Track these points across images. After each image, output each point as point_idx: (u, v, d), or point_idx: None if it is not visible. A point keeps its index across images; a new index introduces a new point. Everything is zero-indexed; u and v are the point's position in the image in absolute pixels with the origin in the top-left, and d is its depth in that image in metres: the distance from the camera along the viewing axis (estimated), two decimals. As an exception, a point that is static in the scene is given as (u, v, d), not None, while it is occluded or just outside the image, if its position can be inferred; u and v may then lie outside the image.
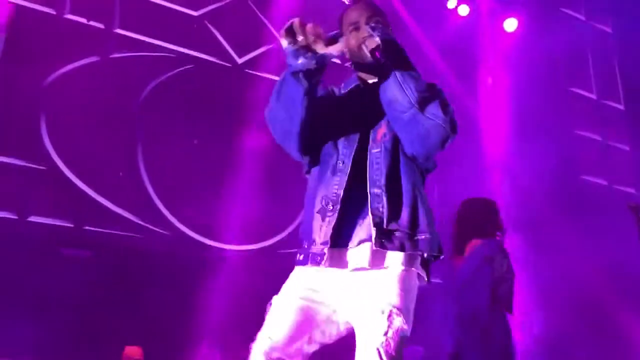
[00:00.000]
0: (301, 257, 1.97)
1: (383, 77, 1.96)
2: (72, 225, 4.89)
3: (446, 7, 7.26)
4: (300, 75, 1.90)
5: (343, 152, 2.02)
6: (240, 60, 6.03)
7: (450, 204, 6.32)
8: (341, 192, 1.94)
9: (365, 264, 1.87)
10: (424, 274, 1.95)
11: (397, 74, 1.94)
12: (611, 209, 6.45)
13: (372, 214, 1.91)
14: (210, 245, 5.43)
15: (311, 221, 1.97)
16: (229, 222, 5.34)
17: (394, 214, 1.92)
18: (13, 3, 4.94)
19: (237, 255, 5.49)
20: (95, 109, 4.96)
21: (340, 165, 2.00)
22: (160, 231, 5.22)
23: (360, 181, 1.95)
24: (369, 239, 1.88)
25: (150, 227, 5.18)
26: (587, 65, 8.35)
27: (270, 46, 6.12)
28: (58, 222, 4.84)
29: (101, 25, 5.40)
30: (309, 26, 1.84)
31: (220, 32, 5.98)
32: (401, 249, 1.89)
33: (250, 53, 6.12)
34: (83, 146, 4.91)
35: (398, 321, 1.78)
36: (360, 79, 2.19)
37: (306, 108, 1.93)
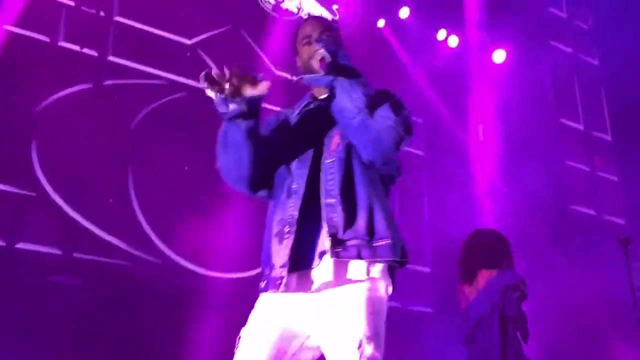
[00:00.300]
0: (263, 284, 1.94)
1: (331, 87, 1.96)
2: (61, 253, 4.85)
3: (436, 39, 7.39)
4: (237, 119, 1.92)
5: (296, 172, 2.00)
6: (232, 89, 6.06)
7: (441, 231, 6.39)
8: (296, 213, 1.91)
9: (330, 278, 1.84)
10: (389, 282, 1.92)
11: (344, 81, 1.92)
12: (600, 239, 6.49)
13: (327, 224, 1.88)
14: (201, 273, 5.40)
15: (270, 246, 1.96)
16: (220, 250, 5.32)
17: (350, 222, 1.88)
18: (7, 29, 4.98)
19: (228, 283, 5.46)
20: (87, 136, 4.95)
21: (294, 186, 1.98)
22: (151, 259, 5.19)
23: (317, 198, 1.93)
24: (326, 252, 1.85)
25: (141, 254, 5.14)
26: (574, 96, 8.48)
27: (262, 75, 6.17)
28: (47, 249, 4.80)
29: (94, 53, 5.43)
30: (232, 72, 1.87)
31: (213, 61, 6.03)
32: (358, 256, 1.85)
33: (243, 81, 6.15)
34: (74, 173, 4.90)
35: (369, 350, 1.74)
36: (311, 95, 2.20)
37: (252, 148, 1.95)
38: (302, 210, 1.92)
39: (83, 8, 5.44)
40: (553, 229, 7.16)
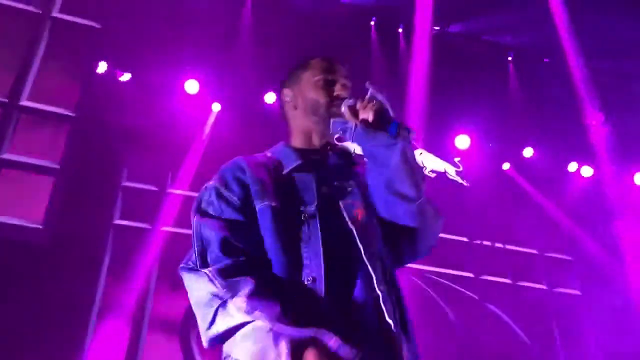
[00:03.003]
0: None
1: (380, 150, 1.58)
2: None
3: (568, 171, 7.23)
4: None
5: (311, 264, 1.52)
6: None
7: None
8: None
9: None
10: None
11: (409, 148, 1.59)
12: None
13: (388, 315, 1.51)
14: None
15: None
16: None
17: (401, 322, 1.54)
18: (165, 230, 5.56)
19: None
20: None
21: (310, 282, 1.50)
22: None
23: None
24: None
25: None
26: None
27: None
28: None
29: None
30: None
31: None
32: None
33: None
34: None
35: None
36: (300, 150, 1.76)
37: None
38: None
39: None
40: None
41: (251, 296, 1.43)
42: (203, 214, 1.60)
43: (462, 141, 6.76)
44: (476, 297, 6.36)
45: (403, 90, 6.44)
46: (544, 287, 6.76)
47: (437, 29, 6.99)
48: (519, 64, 7.44)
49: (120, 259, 5.27)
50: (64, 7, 5.96)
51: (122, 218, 5.55)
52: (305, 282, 1.49)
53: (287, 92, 1.82)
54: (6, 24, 5.71)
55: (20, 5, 5.80)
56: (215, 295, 1.45)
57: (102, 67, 5.62)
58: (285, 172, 1.68)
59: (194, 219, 1.61)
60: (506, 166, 7.07)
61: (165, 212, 5.60)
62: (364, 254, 1.53)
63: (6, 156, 5.30)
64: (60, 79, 5.79)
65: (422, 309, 5.73)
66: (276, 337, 1.36)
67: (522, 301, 6.49)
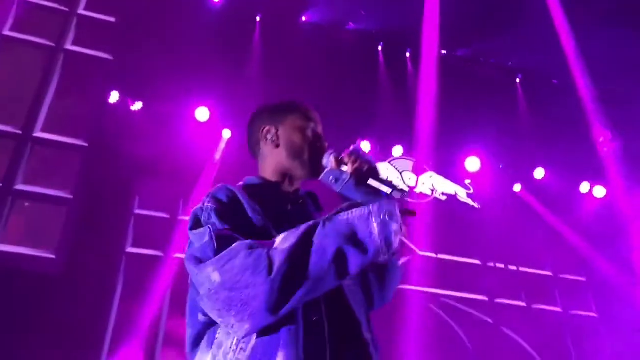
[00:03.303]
0: None
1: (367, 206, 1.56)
2: None
3: (580, 192, 7.18)
4: None
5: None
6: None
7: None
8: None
9: None
10: None
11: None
12: None
13: None
14: None
15: None
16: None
17: None
18: (177, 257, 5.57)
19: None
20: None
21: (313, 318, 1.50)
22: None
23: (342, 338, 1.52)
24: None
25: None
26: None
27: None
28: None
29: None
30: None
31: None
32: None
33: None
34: None
35: None
36: (278, 187, 1.77)
37: None
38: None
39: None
40: None
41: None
42: (210, 226, 1.56)
43: (473, 163, 6.77)
44: (490, 321, 6.29)
45: (412, 114, 6.47)
46: (559, 309, 6.68)
47: (445, 53, 7.04)
48: (528, 85, 7.47)
49: (133, 287, 5.28)
50: (76, 39, 6.08)
51: (134, 246, 5.58)
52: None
53: (270, 130, 1.82)
54: (20, 57, 5.83)
55: (34, 38, 5.92)
56: (256, 248, 1.42)
57: (114, 96, 5.70)
58: (274, 206, 1.67)
59: (201, 231, 1.57)
60: (517, 188, 7.06)
61: (177, 239, 5.62)
62: (350, 301, 1.58)
63: (20, 187, 5.36)
64: (73, 110, 5.88)
65: (436, 333, 5.67)
66: (345, 212, 1.47)
67: (537, 324, 6.41)
